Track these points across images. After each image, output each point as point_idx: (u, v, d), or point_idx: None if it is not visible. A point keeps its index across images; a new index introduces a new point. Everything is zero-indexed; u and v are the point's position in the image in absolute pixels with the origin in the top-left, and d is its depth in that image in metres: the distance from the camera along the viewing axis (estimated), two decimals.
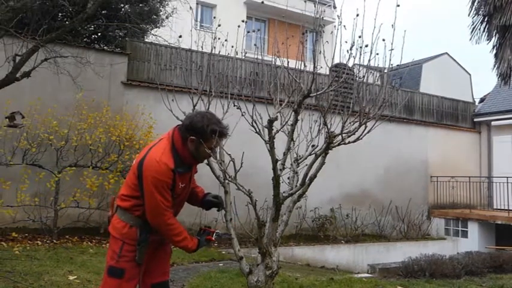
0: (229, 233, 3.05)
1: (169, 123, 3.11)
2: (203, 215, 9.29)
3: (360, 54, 3.04)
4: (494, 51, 10.24)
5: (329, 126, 3.07)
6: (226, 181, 3.14)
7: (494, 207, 13.53)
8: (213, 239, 2.72)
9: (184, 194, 2.65)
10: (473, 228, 12.33)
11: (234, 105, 3.41)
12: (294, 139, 3.28)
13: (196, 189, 2.86)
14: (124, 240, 2.49)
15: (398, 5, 3.21)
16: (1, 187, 7.13)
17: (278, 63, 3.42)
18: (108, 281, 2.50)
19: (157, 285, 2.66)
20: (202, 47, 4.01)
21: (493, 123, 14.44)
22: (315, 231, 10.78)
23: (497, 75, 10.29)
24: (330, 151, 3.07)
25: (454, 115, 14.74)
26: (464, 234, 12.54)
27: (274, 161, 2.96)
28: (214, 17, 19.33)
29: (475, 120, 15.02)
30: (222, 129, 2.52)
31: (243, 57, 5.22)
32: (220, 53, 3.83)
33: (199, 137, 2.46)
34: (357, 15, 3.03)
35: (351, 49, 2.98)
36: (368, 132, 3.08)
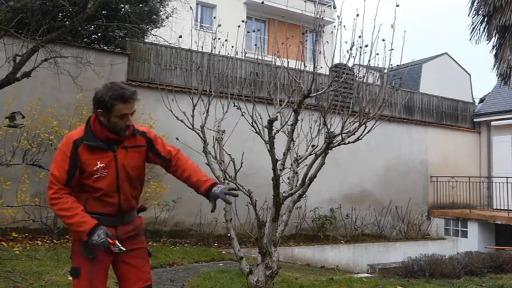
0: (121, 248, 2.37)
1: (169, 123, 3.12)
2: (203, 215, 9.31)
3: (360, 54, 3.05)
4: (494, 51, 10.24)
5: (329, 126, 3.07)
6: (226, 181, 3.15)
7: (494, 207, 13.54)
8: (112, 247, 2.29)
9: (111, 180, 2.36)
10: (473, 228, 12.33)
11: (234, 105, 3.42)
12: (294, 139, 3.28)
13: (192, 175, 2.54)
14: (75, 238, 2.39)
15: (397, 5, 3.21)
16: (1, 187, 7.14)
17: (278, 63, 3.42)
18: (73, 283, 2.39)
19: None
20: (202, 47, 4.01)
21: (492, 123, 14.45)
22: (314, 231, 10.78)
23: (497, 75, 10.30)
24: (329, 151, 3.08)
25: (454, 115, 14.74)
26: (464, 234, 12.55)
27: (274, 161, 2.97)
28: (214, 17, 19.35)
29: (475, 120, 15.03)
30: (122, 92, 2.28)
31: (243, 57, 5.23)
32: (220, 53, 3.83)
33: (103, 108, 2.29)
34: (357, 15, 3.03)
35: (350, 49, 2.98)
36: (368, 132, 3.08)
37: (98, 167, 2.31)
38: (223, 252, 8.00)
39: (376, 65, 3.17)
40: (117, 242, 2.31)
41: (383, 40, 3.09)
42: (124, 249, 2.34)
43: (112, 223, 2.39)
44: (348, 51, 2.99)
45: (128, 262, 2.46)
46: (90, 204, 2.35)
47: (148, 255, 2.59)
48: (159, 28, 11.49)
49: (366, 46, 3.04)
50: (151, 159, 2.57)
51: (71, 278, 2.44)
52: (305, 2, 4.22)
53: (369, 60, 3.09)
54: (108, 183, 2.36)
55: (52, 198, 2.25)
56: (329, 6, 22.57)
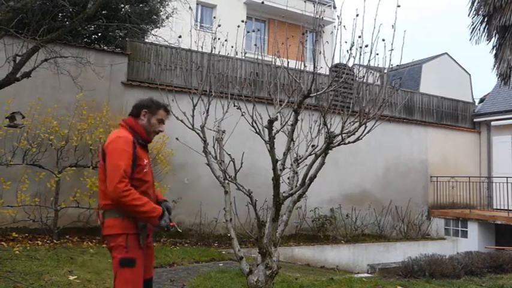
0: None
1: (169, 123, 3.12)
2: (203, 215, 9.31)
3: (360, 54, 3.05)
4: (494, 52, 10.24)
5: (329, 126, 3.07)
6: (226, 181, 3.15)
7: (494, 207, 13.54)
8: (173, 224, 2.76)
9: (151, 175, 2.85)
10: (473, 228, 12.33)
11: (234, 106, 3.42)
12: (294, 139, 3.28)
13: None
14: (127, 232, 2.64)
15: (399, 6, 3.21)
16: (1, 187, 7.14)
17: (278, 63, 3.42)
18: (123, 273, 2.61)
19: (147, 281, 2.79)
20: (202, 47, 4.01)
21: (492, 123, 14.45)
22: (314, 231, 10.79)
23: (497, 75, 10.30)
24: (329, 151, 3.08)
25: (454, 115, 14.74)
26: (464, 234, 12.55)
27: (274, 161, 2.97)
28: (214, 17, 19.35)
29: (475, 120, 15.03)
30: (165, 104, 2.94)
31: (243, 58, 5.23)
32: (220, 53, 3.83)
33: (148, 109, 2.83)
34: (357, 15, 3.03)
35: (350, 49, 2.98)
36: (368, 132, 3.08)
37: (145, 162, 2.75)
38: (223, 252, 8.00)
39: (376, 65, 3.17)
40: (175, 225, 2.79)
41: (383, 40, 3.09)
42: (180, 230, 2.87)
43: None
44: (348, 51, 2.99)
45: (148, 253, 2.83)
46: None
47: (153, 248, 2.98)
48: (159, 28, 11.50)
49: (366, 46, 3.03)
50: None
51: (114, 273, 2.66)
52: (305, 2, 4.22)
53: (369, 60, 3.09)
54: (151, 177, 2.84)
55: (125, 190, 2.54)
56: (329, 6, 22.56)
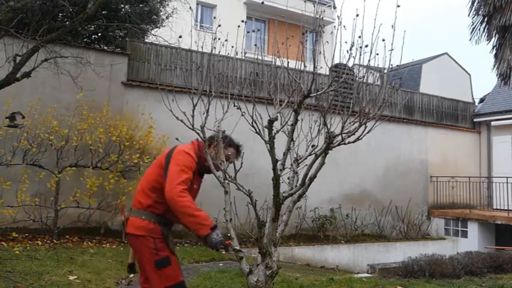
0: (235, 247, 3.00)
1: (170, 123, 3.13)
2: None
3: (360, 55, 3.04)
4: (494, 52, 10.24)
5: (329, 127, 3.07)
6: (226, 181, 3.14)
7: (494, 207, 13.54)
8: (228, 242, 2.80)
9: (193, 196, 2.87)
10: (473, 228, 12.33)
11: (234, 106, 3.41)
12: (294, 139, 3.28)
13: None
14: (153, 236, 2.75)
15: (398, 6, 3.21)
16: (1, 187, 7.14)
17: (278, 63, 3.42)
18: (161, 272, 2.72)
19: None
20: (202, 47, 4.01)
21: (492, 123, 14.44)
22: (314, 231, 10.78)
23: (497, 75, 10.30)
24: (329, 151, 3.07)
25: (454, 115, 14.74)
26: (464, 234, 12.55)
27: (274, 161, 2.96)
28: (215, 17, 19.35)
29: (475, 120, 15.03)
30: (239, 144, 3.07)
31: (243, 58, 5.23)
32: (220, 53, 3.83)
33: (219, 144, 2.94)
34: (357, 15, 3.03)
35: (350, 49, 2.98)
36: (368, 132, 3.08)
37: (194, 187, 2.87)
38: (223, 252, 7.99)
39: (376, 65, 3.16)
40: (232, 243, 2.82)
41: (383, 40, 3.09)
42: (237, 248, 2.87)
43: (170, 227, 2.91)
44: (348, 51, 2.98)
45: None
46: (169, 211, 2.74)
47: None
48: (159, 28, 11.50)
49: (366, 46, 3.03)
50: None
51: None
52: (305, 2, 4.22)
53: (369, 60, 3.08)
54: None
55: (182, 190, 2.63)
56: (329, 6, 22.58)
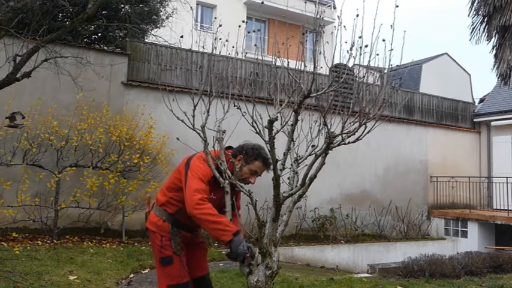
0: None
1: (170, 123, 3.14)
2: None
3: (360, 55, 3.04)
4: (494, 52, 10.25)
5: (329, 127, 3.07)
6: (226, 181, 3.15)
7: (494, 207, 13.54)
8: (248, 255, 2.68)
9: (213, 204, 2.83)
10: (473, 228, 12.34)
11: (234, 106, 3.41)
12: (294, 139, 3.28)
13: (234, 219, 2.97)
14: (160, 233, 2.84)
15: (397, 6, 3.21)
16: (1, 187, 7.14)
17: (278, 63, 3.42)
18: (164, 270, 2.81)
19: (199, 279, 3.01)
20: (203, 47, 4.01)
21: (492, 123, 14.45)
22: (315, 231, 10.79)
23: (497, 75, 10.31)
24: (330, 151, 3.07)
25: (454, 115, 14.75)
26: (464, 234, 12.55)
27: (275, 161, 2.97)
28: (215, 18, 19.35)
29: (475, 120, 15.04)
30: (268, 157, 2.84)
31: (244, 58, 5.23)
32: (221, 54, 3.83)
33: (245, 156, 2.86)
34: (357, 15, 3.03)
35: (350, 49, 2.97)
36: (368, 132, 3.08)
37: (211, 196, 2.78)
38: (223, 252, 8.00)
39: (376, 65, 3.16)
40: (250, 257, 2.67)
41: (383, 40, 3.09)
42: (252, 263, 2.71)
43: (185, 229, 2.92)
44: (348, 51, 2.98)
45: (195, 253, 3.02)
46: (181, 213, 2.78)
47: (206, 248, 3.19)
48: (159, 28, 11.51)
49: (366, 46, 3.03)
50: None
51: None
52: (305, 2, 4.23)
53: (369, 61, 3.08)
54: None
55: (201, 199, 2.61)
56: (329, 6, 22.59)
